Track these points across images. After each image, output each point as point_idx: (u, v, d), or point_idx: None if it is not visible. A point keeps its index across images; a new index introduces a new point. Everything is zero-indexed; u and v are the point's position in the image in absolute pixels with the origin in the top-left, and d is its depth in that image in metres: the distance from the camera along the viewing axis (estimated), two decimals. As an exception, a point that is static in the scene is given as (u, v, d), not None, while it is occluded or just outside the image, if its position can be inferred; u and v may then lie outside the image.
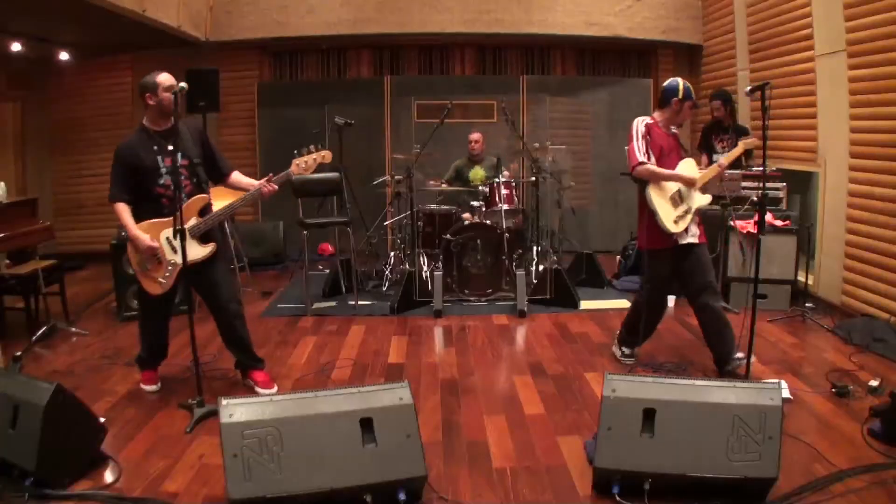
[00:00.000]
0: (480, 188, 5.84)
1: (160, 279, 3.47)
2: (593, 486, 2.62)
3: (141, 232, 3.40)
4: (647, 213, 3.80)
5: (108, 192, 3.43)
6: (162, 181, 3.44)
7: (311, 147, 3.56)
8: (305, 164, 3.51)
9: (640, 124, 3.83)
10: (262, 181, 3.52)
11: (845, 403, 3.41)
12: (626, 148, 3.86)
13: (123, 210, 3.41)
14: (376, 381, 3.80)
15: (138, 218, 3.42)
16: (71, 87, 7.56)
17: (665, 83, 3.91)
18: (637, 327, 4.00)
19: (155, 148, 3.44)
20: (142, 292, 3.59)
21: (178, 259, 3.35)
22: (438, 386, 3.80)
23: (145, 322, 3.74)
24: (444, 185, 6.27)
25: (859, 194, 4.79)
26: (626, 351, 4.13)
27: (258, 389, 3.70)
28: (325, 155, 3.58)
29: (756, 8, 6.18)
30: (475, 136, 6.44)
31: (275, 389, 3.73)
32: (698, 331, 4.65)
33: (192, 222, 3.45)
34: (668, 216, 3.75)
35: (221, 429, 2.40)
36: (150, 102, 3.41)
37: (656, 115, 3.92)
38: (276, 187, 3.53)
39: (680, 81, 3.84)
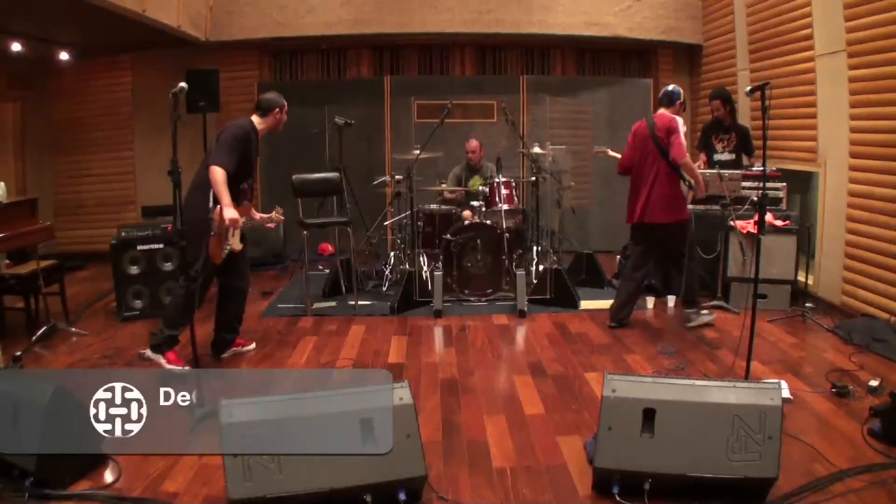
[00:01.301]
0: (480, 188, 5.83)
1: (222, 252, 3.92)
2: (593, 486, 2.62)
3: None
4: (682, 192, 4.61)
5: (218, 157, 3.72)
6: (249, 181, 4.07)
7: (280, 209, 4.33)
8: (275, 217, 4.27)
9: (680, 123, 4.50)
10: (268, 217, 4.24)
11: (845, 403, 3.41)
12: (674, 139, 4.44)
13: (224, 181, 3.70)
14: (376, 381, 3.80)
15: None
16: (71, 87, 7.55)
17: (670, 87, 4.65)
18: (696, 285, 4.76)
19: (257, 150, 4.07)
20: (206, 260, 3.87)
21: (230, 245, 3.96)
22: (438, 386, 3.80)
23: (198, 285, 3.80)
24: (443, 185, 6.27)
25: (859, 194, 4.79)
26: (694, 309, 4.72)
27: (244, 350, 4.35)
28: (281, 220, 4.36)
29: (756, 8, 6.18)
30: (473, 144, 6.38)
31: (253, 346, 4.43)
32: (698, 330, 4.71)
33: (243, 220, 4.04)
34: None
35: (221, 429, 2.40)
36: (276, 117, 4.14)
37: (670, 112, 4.57)
38: (273, 225, 4.37)
39: (680, 89, 4.64)
